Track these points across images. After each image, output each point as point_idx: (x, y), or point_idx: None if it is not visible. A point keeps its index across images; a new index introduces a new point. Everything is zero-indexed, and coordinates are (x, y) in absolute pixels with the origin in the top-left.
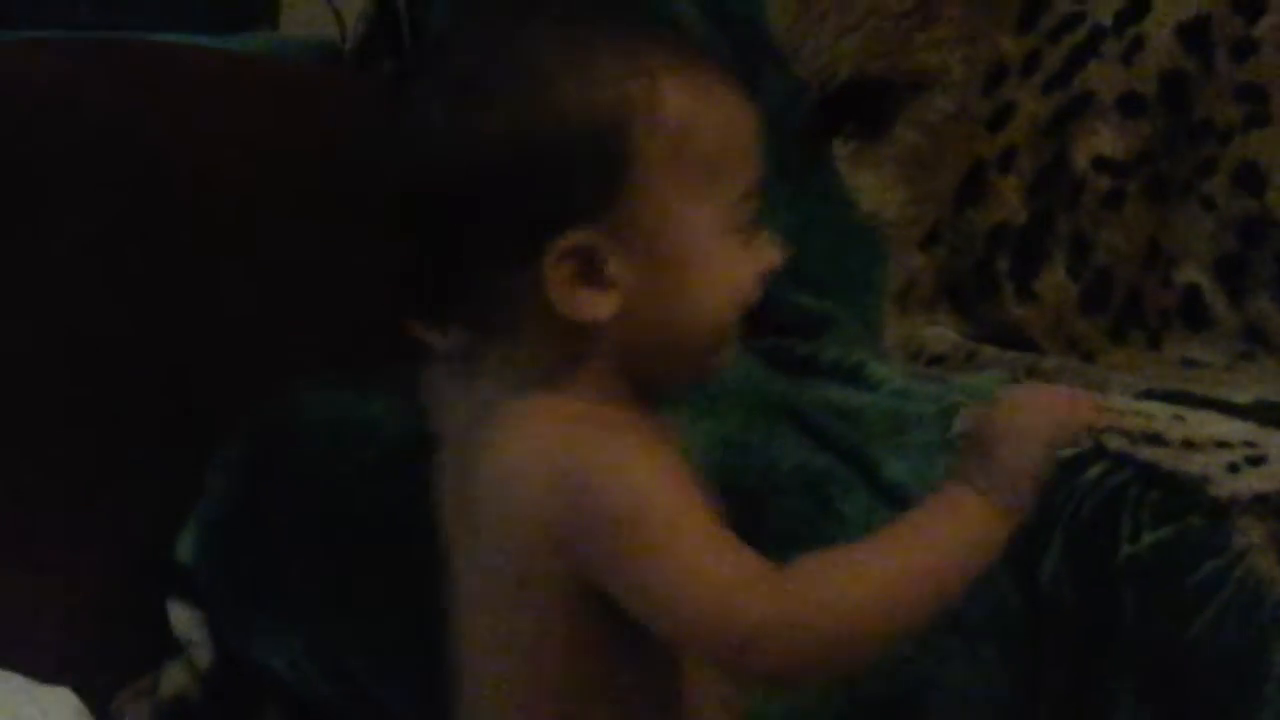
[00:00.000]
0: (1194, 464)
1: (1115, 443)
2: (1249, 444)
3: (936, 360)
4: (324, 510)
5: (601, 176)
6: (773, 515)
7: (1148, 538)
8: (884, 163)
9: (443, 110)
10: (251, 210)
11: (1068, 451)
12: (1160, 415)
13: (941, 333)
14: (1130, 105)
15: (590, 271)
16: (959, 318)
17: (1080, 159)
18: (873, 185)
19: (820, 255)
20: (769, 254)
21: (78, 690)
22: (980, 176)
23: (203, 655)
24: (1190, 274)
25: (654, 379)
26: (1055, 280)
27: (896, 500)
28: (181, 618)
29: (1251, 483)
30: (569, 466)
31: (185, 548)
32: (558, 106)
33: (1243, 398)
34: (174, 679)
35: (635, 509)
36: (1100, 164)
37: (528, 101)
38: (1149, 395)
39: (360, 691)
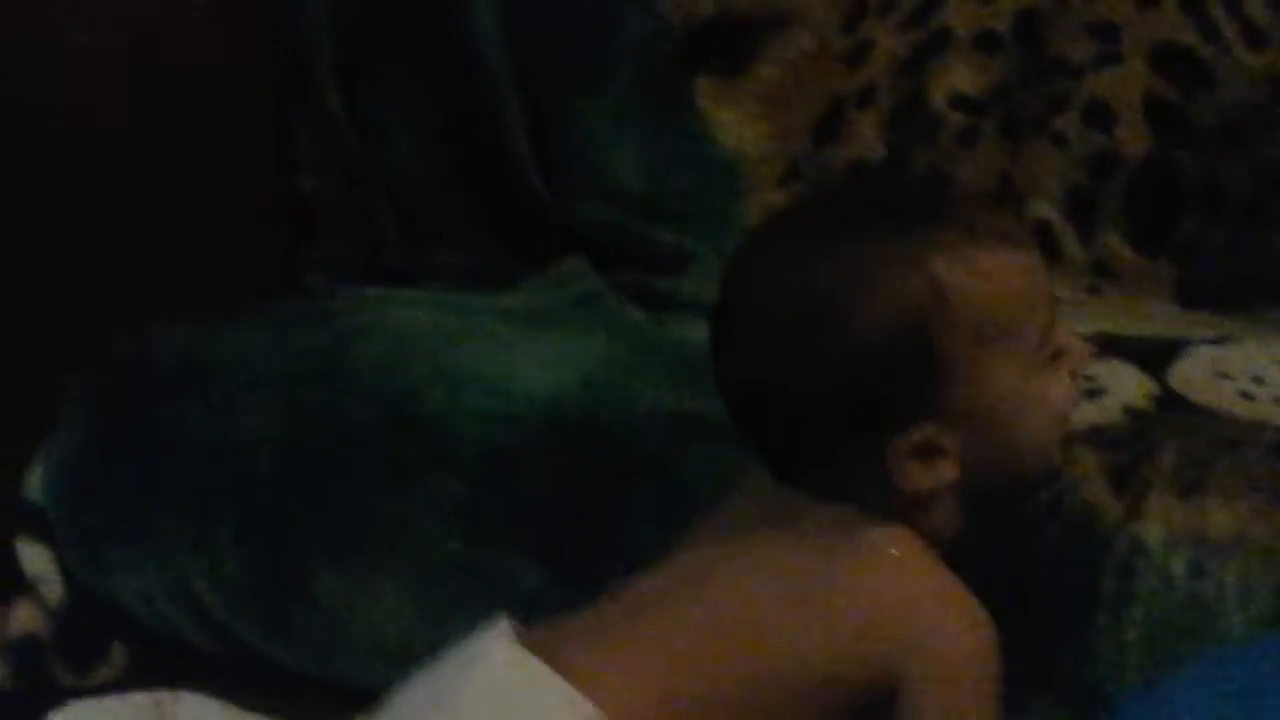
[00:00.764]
0: None
1: None
2: (1087, 377)
3: None
4: (174, 446)
5: (917, 379)
6: (629, 455)
7: None
8: (745, 99)
9: (761, 349)
10: (103, 137)
11: None
12: None
13: None
14: (986, 43)
15: (928, 452)
16: None
17: (937, 96)
18: (733, 122)
19: (681, 191)
20: (1076, 355)
21: None
22: (839, 113)
23: (53, 592)
24: (1041, 209)
25: (989, 511)
26: None
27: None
28: (31, 555)
29: (1088, 415)
30: (931, 589)
31: (34, 485)
32: (858, 336)
33: (1084, 329)
34: (23, 618)
35: (971, 658)
36: (956, 101)
37: (833, 339)
38: None
39: (214, 625)
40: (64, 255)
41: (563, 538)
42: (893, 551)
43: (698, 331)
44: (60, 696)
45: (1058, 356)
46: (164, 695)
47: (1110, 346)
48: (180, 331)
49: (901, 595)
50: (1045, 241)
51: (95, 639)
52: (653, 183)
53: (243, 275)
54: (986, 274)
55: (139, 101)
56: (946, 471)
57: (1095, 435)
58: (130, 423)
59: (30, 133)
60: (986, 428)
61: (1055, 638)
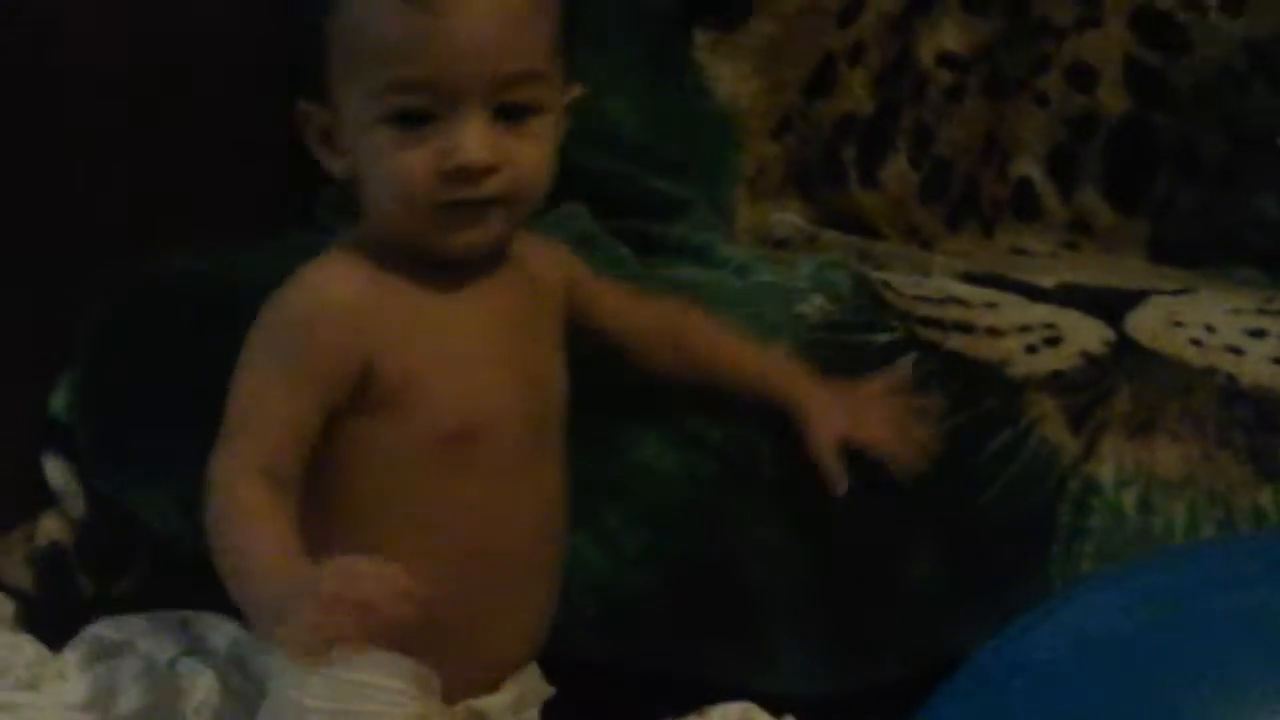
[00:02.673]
0: (996, 350)
1: (926, 333)
2: (1048, 325)
3: (781, 243)
4: (192, 366)
5: (315, 63)
6: (600, 389)
7: (946, 420)
8: (741, 53)
9: None
10: (125, 67)
11: (884, 338)
12: (975, 302)
13: (788, 218)
14: (974, 3)
15: (326, 137)
16: (806, 204)
17: (925, 54)
18: (729, 75)
19: (676, 141)
20: (457, 154)
21: None
22: (830, 69)
23: (76, 506)
24: (1024, 167)
25: (405, 248)
26: (897, 170)
27: None
28: (56, 470)
29: (1047, 361)
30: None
31: (58, 403)
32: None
33: (1050, 280)
34: (49, 529)
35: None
36: (944, 59)
37: None
38: (968, 278)
39: None
40: (88, 183)
41: None
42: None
43: (684, 272)
44: (84, 605)
45: (430, 137)
46: (189, 614)
47: (1072, 297)
48: (198, 257)
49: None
50: (1026, 198)
51: (117, 551)
52: (650, 133)
53: (258, 211)
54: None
55: (163, 44)
56: (336, 165)
57: (1054, 380)
58: (149, 343)
59: (50, 67)
60: (352, 147)
61: (1013, 569)
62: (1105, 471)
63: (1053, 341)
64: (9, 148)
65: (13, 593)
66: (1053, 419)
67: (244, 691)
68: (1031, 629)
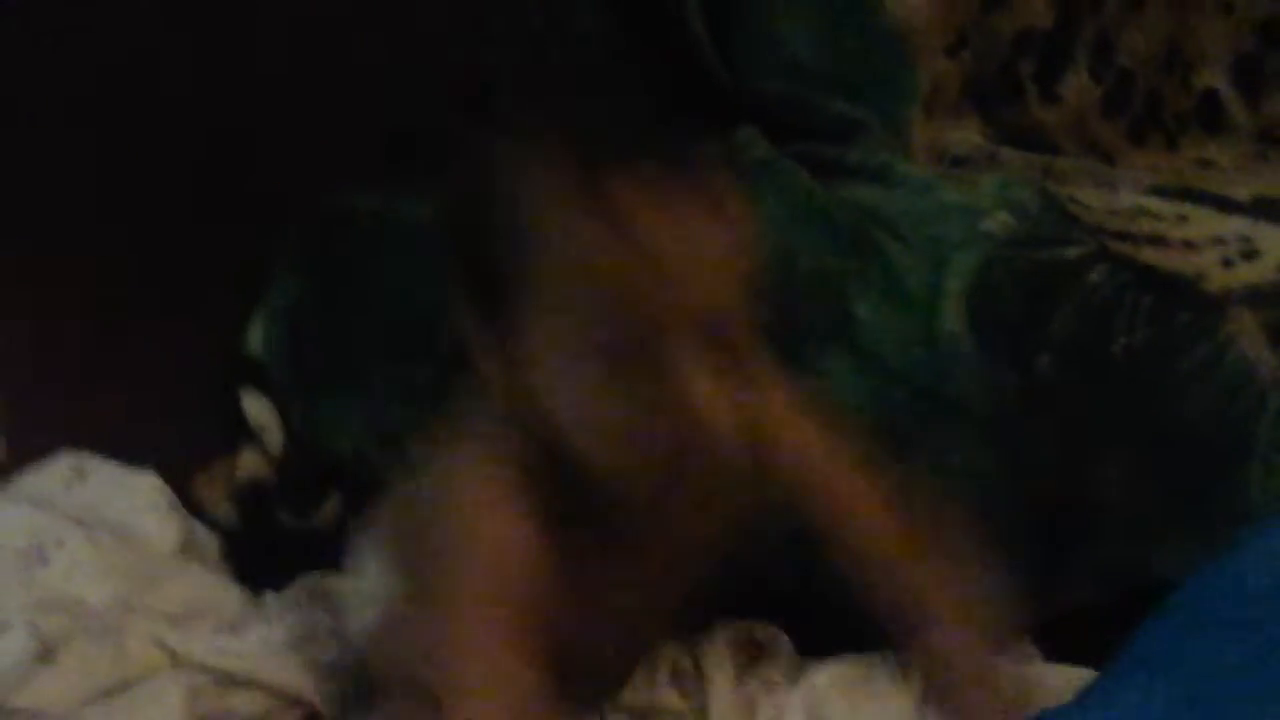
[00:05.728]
0: (1190, 264)
1: (1119, 247)
2: (1244, 239)
3: (960, 162)
4: (380, 302)
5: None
6: (790, 316)
7: (1141, 333)
8: None
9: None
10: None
11: (1074, 252)
12: (1167, 215)
13: (966, 136)
14: None
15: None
16: (983, 121)
17: None
18: None
19: (850, 62)
20: (683, 395)
21: (161, 474)
22: None
23: (274, 441)
24: (1209, 78)
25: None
26: (1078, 83)
27: (906, 303)
28: (253, 406)
29: (1244, 275)
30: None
31: (254, 340)
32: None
33: (1244, 193)
34: (249, 463)
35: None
36: None
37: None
38: (1156, 192)
39: None
40: (275, 130)
41: None
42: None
43: (864, 193)
44: (284, 538)
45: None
46: None
47: (1268, 209)
48: (378, 195)
49: None
50: (1212, 109)
51: (313, 485)
52: (824, 54)
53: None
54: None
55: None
56: (486, 361)
57: (1252, 293)
58: (338, 281)
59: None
60: (518, 359)
61: (1208, 483)
62: None
63: (1250, 255)
64: (207, 94)
65: (214, 525)
66: (1251, 333)
67: None
68: (1242, 555)
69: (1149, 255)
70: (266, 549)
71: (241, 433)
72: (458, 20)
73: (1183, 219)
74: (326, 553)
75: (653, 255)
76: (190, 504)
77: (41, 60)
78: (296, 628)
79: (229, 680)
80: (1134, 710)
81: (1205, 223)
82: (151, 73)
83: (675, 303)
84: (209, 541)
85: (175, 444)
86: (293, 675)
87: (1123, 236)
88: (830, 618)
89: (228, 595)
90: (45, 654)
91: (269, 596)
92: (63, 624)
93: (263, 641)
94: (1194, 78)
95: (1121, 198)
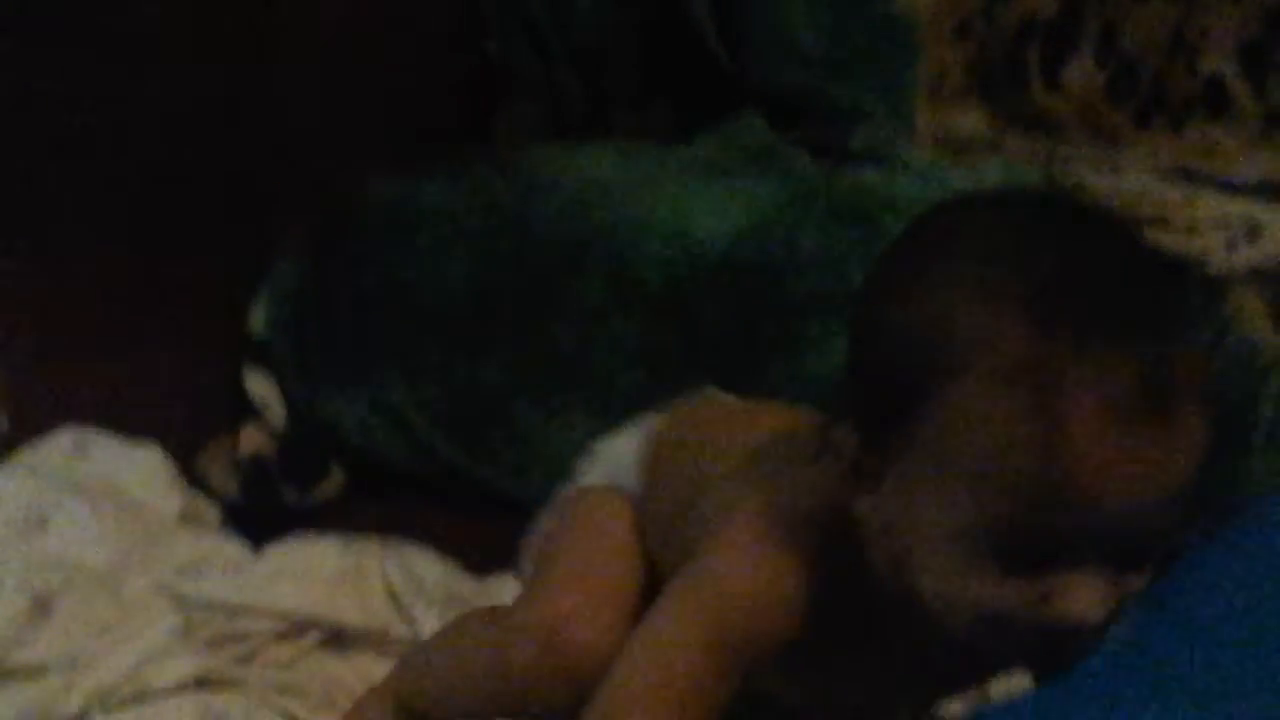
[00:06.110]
0: (1194, 245)
1: None
2: (1248, 221)
3: (964, 148)
4: (383, 286)
5: (900, 402)
6: (791, 291)
7: None
8: None
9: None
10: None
11: None
12: (1171, 198)
13: (970, 122)
14: None
15: (860, 471)
16: (988, 107)
17: None
18: None
19: (856, 48)
20: (1070, 614)
21: (164, 450)
22: None
23: (277, 417)
24: (1214, 63)
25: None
26: (1082, 69)
27: None
28: (256, 383)
29: (1247, 256)
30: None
31: (258, 319)
32: (920, 307)
33: (1247, 177)
34: (252, 439)
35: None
36: None
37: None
38: (1160, 175)
39: (422, 448)
40: (284, 110)
41: (736, 371)
42: (736, 529)
43: (867, 178)
44: (286, 512)
45: (1036, 581)
46: (380, 543)
47: (1272, 191)
48: (387, 182)
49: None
50: (1217, 93)
51: (315, 460)
52: (828, 41)
53: (439, 131)
54: (1044, 424)
55: None
56: (863, 502)
57: (1255, 274)
58: (343, 264)
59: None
60: (896, 528)
61: (1212, 461)
62: None
63: (1252, 236)
64: (222, 71)
65: (217, 499)
66: (1254, 314)
67: None
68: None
69: (1153, 238)
70: (268, 523)
71: (245, 410)
72: (461, 8)
73: (1187, 202)
74: (328, 528)
75: (1089, 471)
76: (193, 480)
77: (45, 47)
78: (301, 562)
79: (234, 612)
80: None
81: (1209, 205)
82: (152, 54)
83: (1091, 527)
84: (210, 512)
85: (178, 421)
86: (303, 597)
87: (1129, 219)
88: None
89: (230, 549)
90: (41, 609)
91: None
92: (58, 581)
93: (268, 575)
94: (1199, 63)
95: (1126, 181)
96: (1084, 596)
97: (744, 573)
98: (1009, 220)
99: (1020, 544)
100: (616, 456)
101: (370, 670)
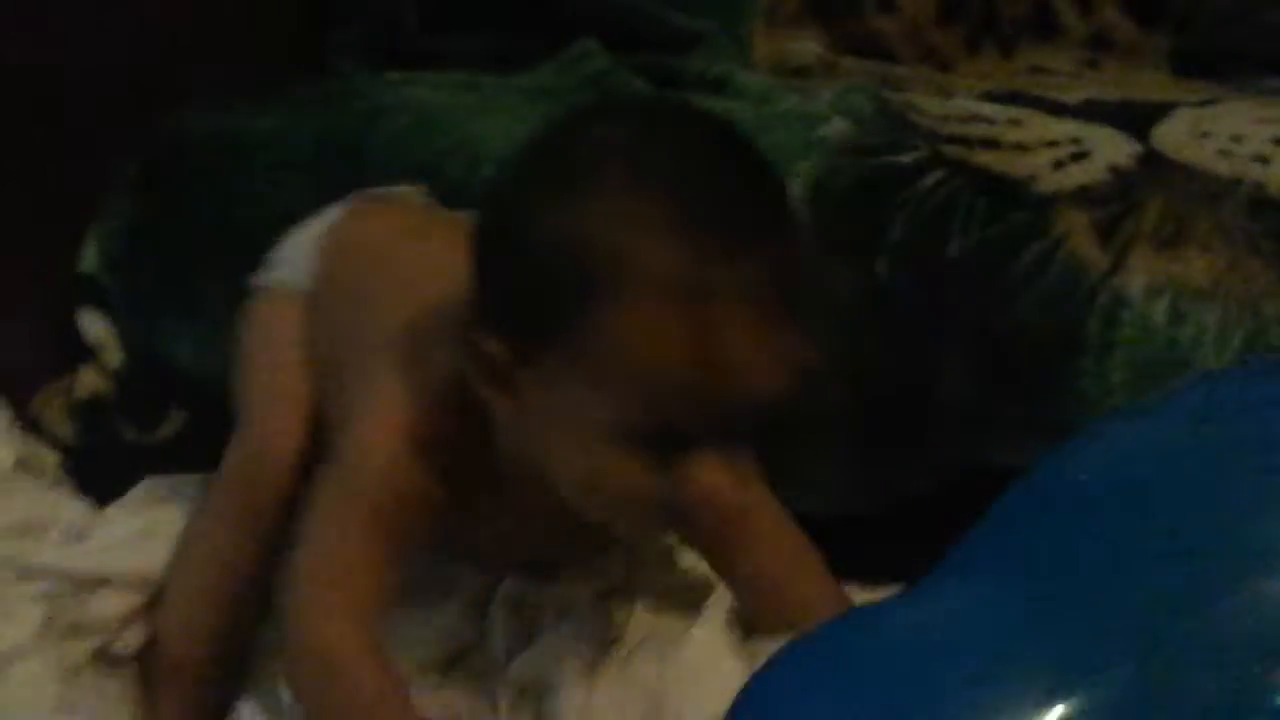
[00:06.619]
0: (1022, 166)
1: (952, 151)
2: (1075, 140)
3: (801, 72)
4: (215, 221)
5: (549, 309)
6: None
7: (975, 235)
8: None
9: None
10: None
11: (909, 157)
12: (999, 119)
13: (807, 46)
14: None
15: (499, 373)
16: (823, 32)
17: None
18: None
19: None
20: (690, 485)
21: None
22: None
23: (113, 358)
24: None
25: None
26: None
27: None
28: (91, 323)
29: (1075, 176)
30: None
31: (89, 258)
32: (570, 229)
33: (1074, 98)
34: (88, 382)
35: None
36: None
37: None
38: (990, 97)
39: None
40: (105, 40)
41: None
42: (377, 418)
43: (703, 104)
44: (126, 453)
45: (671, 463)
46: None
47: (1098, 112)
48: (214, 113)
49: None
50: (1045, 16)
51: (155, 400)
52: None
53: (269, 59)
54: (696, 332)
55: None
56: (500, 405)
57: (1082, 194)
58: (173, 198)
59: None
60: (535, 427)
61: (1043, 383)
62: (1134, 283)
63: (1079, 156)
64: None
65: (55, 443)
66: (1081, 233)
67: None
68: (1073, 454)
69: (982, 158)
70: (108, 463)
71: (80, 352)
72: None
73: (1016, 123)
74: (169, 466)
75: (738, 369)
76: (28, 426)
77: None
78: (141, 526)
79: (81, 585)
80: (964, 602)
81: (1038, 126)
82: None
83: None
84: (48, 459)
85: (10, 365)
86: (147, 562)
87: (957, 141)
88: None
89: (69, 506)
90: None
91: (111, 506)
92: None
93: (109, 542)
94: None
95: (957, 103)
96: (712, 474)
97: (381, 465)
98: (648, 135)
99: (663, 438)
100: (296, 251)
101: None
